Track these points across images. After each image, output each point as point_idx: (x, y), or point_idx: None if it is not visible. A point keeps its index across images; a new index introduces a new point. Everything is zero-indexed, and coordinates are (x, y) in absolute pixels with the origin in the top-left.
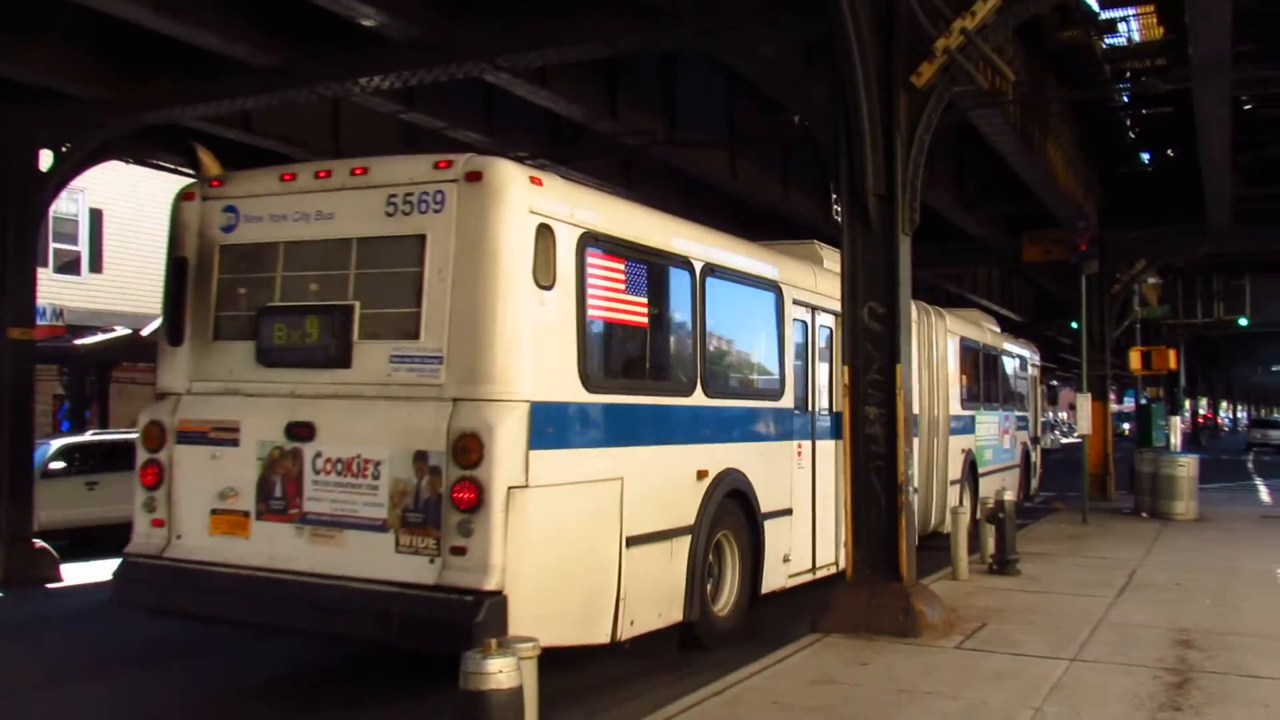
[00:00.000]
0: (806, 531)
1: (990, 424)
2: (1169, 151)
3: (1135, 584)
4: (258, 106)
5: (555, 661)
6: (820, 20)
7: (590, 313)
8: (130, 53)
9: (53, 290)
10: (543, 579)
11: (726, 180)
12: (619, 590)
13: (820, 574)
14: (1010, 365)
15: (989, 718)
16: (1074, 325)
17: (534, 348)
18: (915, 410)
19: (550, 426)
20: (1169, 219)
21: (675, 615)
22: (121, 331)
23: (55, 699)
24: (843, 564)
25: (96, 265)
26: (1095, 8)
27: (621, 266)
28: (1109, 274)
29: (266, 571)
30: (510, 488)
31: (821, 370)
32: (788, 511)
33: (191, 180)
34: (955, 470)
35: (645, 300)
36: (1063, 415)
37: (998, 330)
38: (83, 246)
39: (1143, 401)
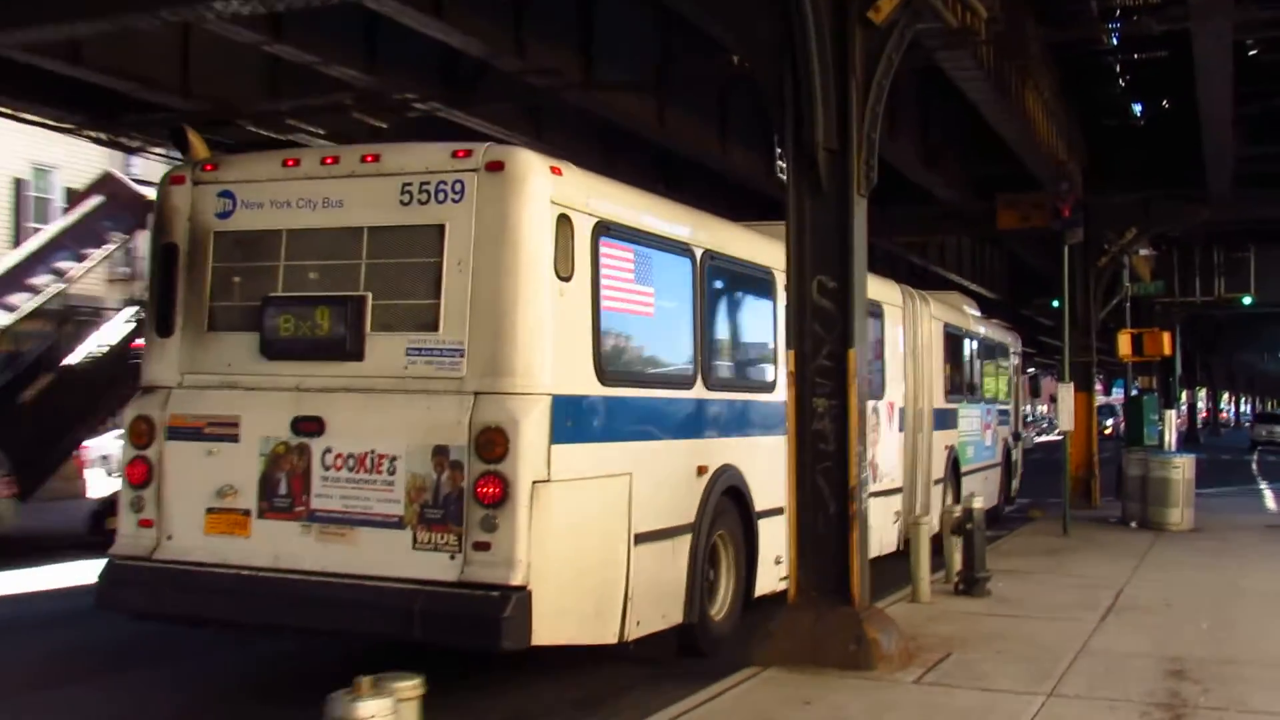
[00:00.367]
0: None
1: (973, 418)
2: (1164, 103)
3: (1122, 605)
4: (90, 34)
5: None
6: None
7: (604, 304)
8: None
9: None
10: (562, 575)
11: (653, 130)
12: (627, 589)
13: None
14: (992, 353)
15: None
16: (1055, 304)
17: (555, 340)
18: (901, 403)
19: (569, 420)
20: (1163, 181)
21: (676, 617)
22: None
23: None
24: None
25: None
26: None
27: (630, 256)
28: (1095, 244)
29: (271, 571)
30: (534, 482)
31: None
32: (780, 510)
33: (179, 162)
34: (939, 468)
35: (651, 290)
36: (1041, 408)
37: (978, 314)
38: None
39: (1133, 393)
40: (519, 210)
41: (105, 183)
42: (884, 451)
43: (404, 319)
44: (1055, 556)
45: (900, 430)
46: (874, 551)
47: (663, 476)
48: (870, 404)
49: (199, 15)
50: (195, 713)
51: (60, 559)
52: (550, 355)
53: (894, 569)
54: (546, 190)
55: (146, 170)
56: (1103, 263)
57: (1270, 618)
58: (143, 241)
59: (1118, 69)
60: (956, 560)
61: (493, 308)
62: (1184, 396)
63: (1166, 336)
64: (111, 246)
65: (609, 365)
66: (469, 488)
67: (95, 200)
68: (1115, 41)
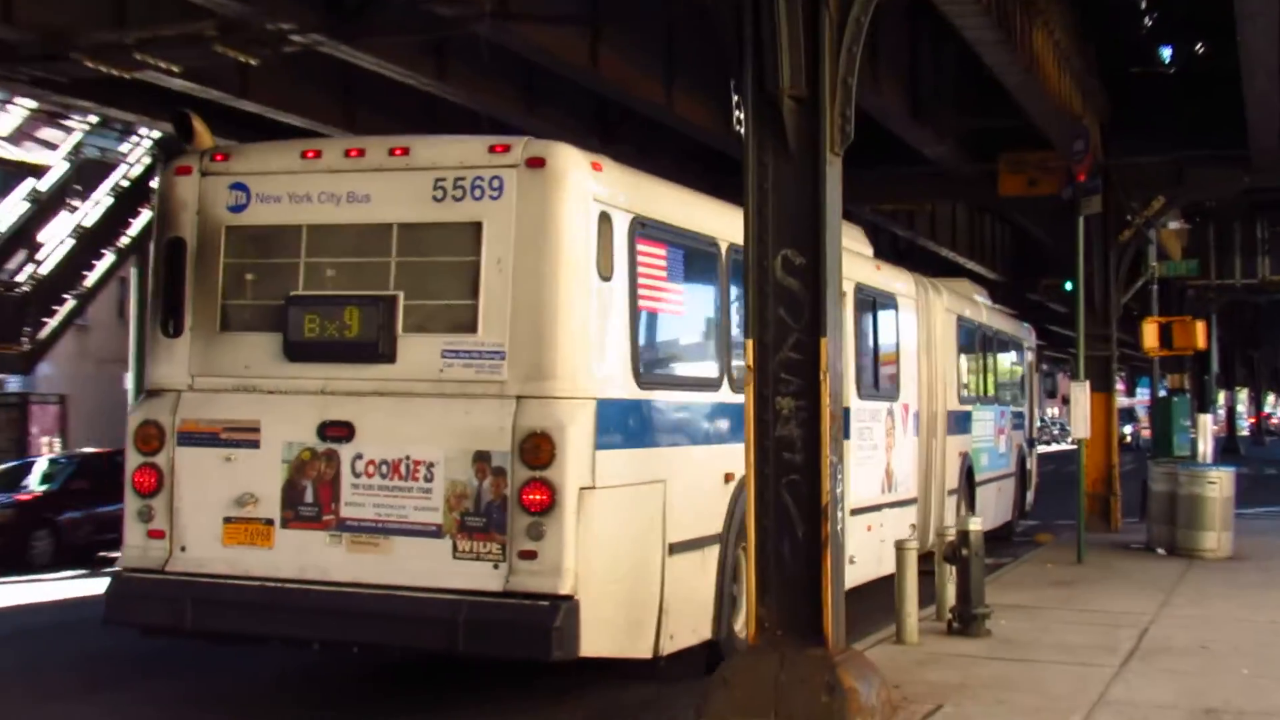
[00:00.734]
0: None
1: (986, 422)
2: (1198, 47)
3: (1148, 648)
4: None
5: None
6: None
7: (640, 304)
8: None
9: None
10: (603, 585)
11: (585, 71)
12: (662, 601)
13: None
14: (1005, 349)
15: None
16: (1068, 287)
17: (598, 343)
18: (915, 405)
19: (611, 425)
20: (1198, 141)
21: (705, 632)
22: None
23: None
24: (848, 581)
25: None
26: None
27: (663, 253)
28: (1116, 216)
29: (297, 583)
30: (581, 489)
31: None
32: None
33: (185, 153)
34: (953, 478)
35: (681, 289)
36: (1051, 411)
37: (990, 304)
38: None
39: (1161, 393)
40: (562, 209)
41: None
42: (899, 458)
43: (439, 320)
44: (1068, 589)
45: (915, 435)
46: (871, 574)
47: (694, 484)
48: (884, 406)
49: None
50: None
51: None
52: (593, 358)
53: (860, 607)
54: (588, 188)
55: None
56: (1125, 237)
57: None
58: None
59: (1143, 6)
60: (950, 593)
61: (536, 309)
62: (1221, 398)
63: (1200, 326)
64: None
65: (645, 368)
66: (513, 495)
67: None
68: None
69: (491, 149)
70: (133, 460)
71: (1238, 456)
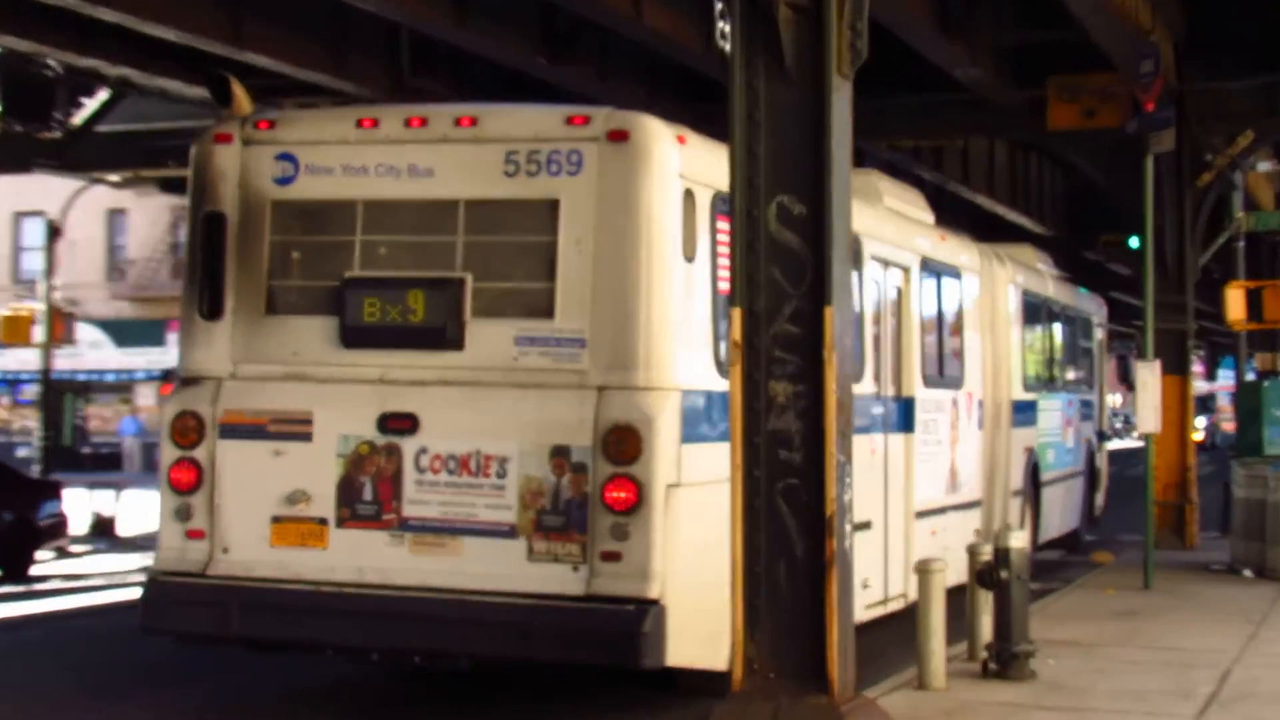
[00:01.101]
0: (880, 552)
1: (1053, 412)
2: None
3: (1231, 694)
4: None
5: None
6: None
7: (720, 287)
8: None
9: None
10: (687, 590)
11: None
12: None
13: (891, 606)
14: (1073, 327)
15: None
16: (1133, 243)
17: (683, 329)
18: (979, 394)
19: (696, 418)
20: None
21: None
22: None
23: None
24: (912, 595)
25: None
26: None
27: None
28: (1193, 155)
29: (356, 587)
30: (668, 485)
31: (887, 342)
32: (866, 525)
33: (225, 120)
34: (1017, 477)
35: None
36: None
37: (1056, 273)
38: None
39: (1248, 377)
40: (647, 186)
41: None
42: (963, 455)
43: (511, 304)
44: (1132, 620)
45: (979, 428)
46: (950, 579)
47: None
48: (949, 396)
49: None
50: None
51: None
52: (679, 346)
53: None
54: (674, 163)
55: None
56: (1204, 182)
57: None
58: None
59: None
60: (985, 626)
61: (620, 293)
62: None
63: None
64: None
65: (724, 355)
66: (595, 492)
67: None
68: None
69: (569, 120)
70: (169, 454)
71: None
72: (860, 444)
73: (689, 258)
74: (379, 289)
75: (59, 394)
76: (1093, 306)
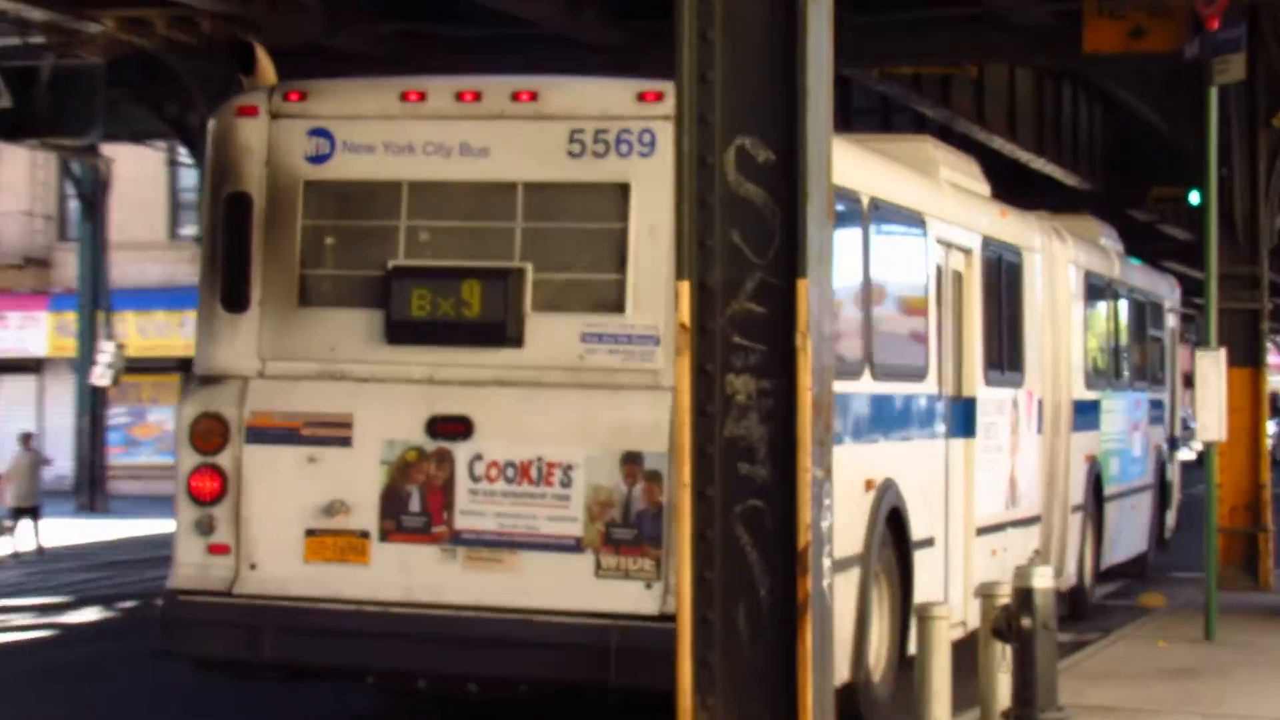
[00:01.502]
0: (940, 573)
1: (1118, 414)
2: None
3: None
4: None
5: None
6: None
7: None
8: None
9: None
10: None
11: None
12: None
13: (952, 634)
14: (1141, 313)
15: None
16: (1193, 199)
17: None
18: (1040, 393)
19: None
20: None
21: (844, 673)
22: None
23: None
24: (972, 622)
25: None
26: None
27: None
28: (1270, 86)
29: (404, 606)
30: None
31: (947, 336)
32: (928, 543)
33: (248, 90)
34: (1078, 490)
35: (836, 259)
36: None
37: (1121, 248)
38: None
39: None
40: None
41: None
42: (1023, 464)
43: (576, 297)
44: (1188, 682)
45: (1038, 433)
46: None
47: (840, 491)
48: (1009, 395)
49: None
50: None
51: None
52: None
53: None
54: None
55: None
56: None
57: None
58: None
59: None
60: (1002, 688)
61: None
62: None
63: None
64: None
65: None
66: (670, 502)
67: None
68: None
69: (641, 96)
70: (188, 460)
71: None
72: (923, 450)
73: None
74: (429, 280)
75: None
76: (1164, 288)
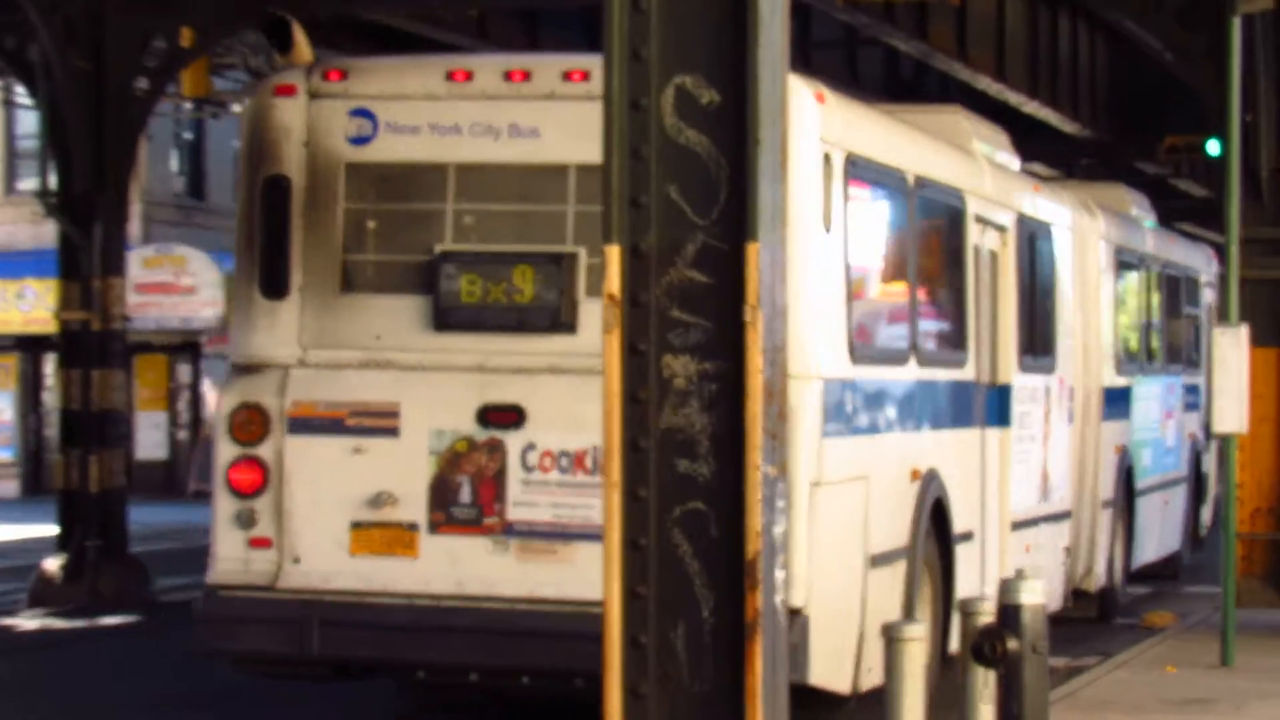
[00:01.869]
0: (978, 569)
1: (1151, 401)
2: None
3: None
4: None
5: None
6: None
7: (852, 262)
8: None
9: None
10: (824, 600)
11: None
12: (862, 624)
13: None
14: (1175, 290)
15: None
16: (1211, 149)
17: (822, 310)
18: (1071, 380)
19: (834, 409)
20: None
21: (881, 676)
22: None
23: None
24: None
25: None
26: None
27: (867, 196)
28: None
29: (456, 599)
30: (811, 484)
31: (984, 320)
32: (968, 537)
33: (286, 70)
34: (1107, 484)
35: (884, 239)
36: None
37: (1153, 219)
38: None
39: None
40: (788, 150)
41: None
42: (1055, 455)
43: None
44: (1201, 714)
45: (1069, 422)
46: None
47: (888, 482)
48: (1042, 382)
49: None
50: None
51: None
52: (819, 328)
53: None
54: (815, 126)
55: None
56: None
57: None
58: None
59: None
60: (982, 715)
61: None
62: None
63: None
64: None
65: (857, 339)
66: None
67: None
68: None
69: None
70: (227, 452)
71: None
72: (962, 440)
73: (827, 229)
74: (478, 265)
75: None
76: (1200, 260)
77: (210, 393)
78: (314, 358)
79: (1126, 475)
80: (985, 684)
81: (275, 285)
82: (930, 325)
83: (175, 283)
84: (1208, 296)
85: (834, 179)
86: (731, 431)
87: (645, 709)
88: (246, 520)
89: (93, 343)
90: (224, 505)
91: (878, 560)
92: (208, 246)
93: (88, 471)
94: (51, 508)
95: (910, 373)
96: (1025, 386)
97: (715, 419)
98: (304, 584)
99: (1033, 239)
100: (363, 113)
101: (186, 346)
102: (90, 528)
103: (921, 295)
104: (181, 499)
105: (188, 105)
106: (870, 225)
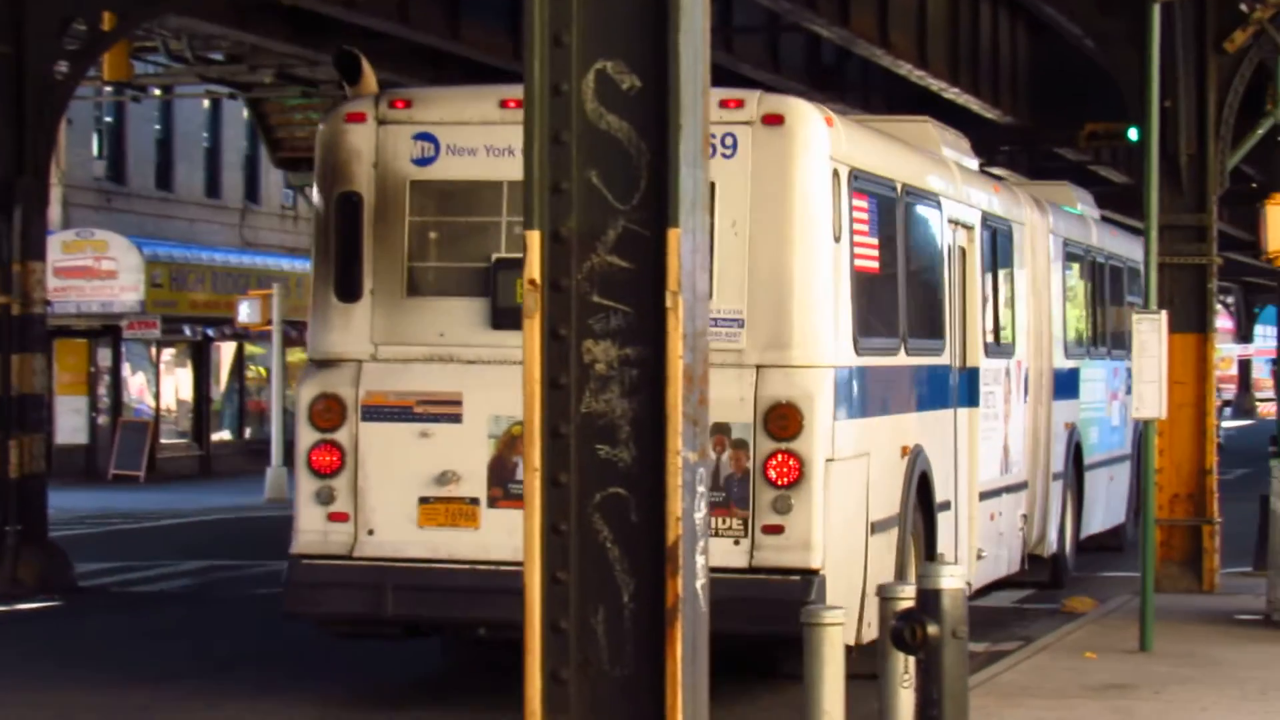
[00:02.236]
0: (952, 535)
1: (1097, 383)
2: None
3: None
4: None
5: None
6: None
7: (856, 265)
8: None
9: None
10: (837, 563)
11: None
12: (865, 584)
13: None
14: (1119, 279)
15: None
16: (1132, 135)
17: (833, 308)
18: (1028, 362)
19: (843, 394)
20: None
21: (875, 632)
22: None
23: None
24: (975, 583)
25: None
26: None
27: (867, 206)
28: (1224, 4)
29: (514, 565)
30: (826, 460)
31: (956, 311)
32: (946, 506)
33: (356, 99)
34: (1059, 458)
35: (878, 243)
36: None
37: (1098, 214)
38: None
39: None
40: (802, 170)
41: None
42: (1014, 431)
43: None
44: (1121, 699)
45: (1025, 401)
46: (991, 575)
47: (884, 458)
48: (1003, 365)
49: None
50: None
51: None
52: (830, 324)
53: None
54: (825, 146)
55: None
56: (1238, 44)
57: None
58: None
59: None
60: (904, 708)
61: (777, 275)
62: None
63: None
64: None
65: (860, 332)
66: (756, 468)
67: None
68: None
69: (722, 103)
70: (307, 437)
71: None
72: (941, 419)
73: (836, 238)
74: None
75: None
76: (1140, 251)
77: (130, 377)
78: (384, 353)
79: (1076, 451)
80: (906, 669)
81: (349, 289)
82: (915, 317)
83: (96, 267)
84: None
85: (841, 192)
86: (652, 417)
87: (566, 694)
88: (326, 497)
89: (12, 327)
90: (305, 484)
91: (877, 527)
92: (128, 230)
93: (7, 456)
94: None
95: (901, 360)
96: (990, 369)
97: (636, 404)
98: (378, 553)
99: (994, 236)
100: (426, 136)
101: (107, 330)
102: (10, 513)
103: (909, 291)
104: (101, 484)
105: (108, 89)
106: (869, 230)
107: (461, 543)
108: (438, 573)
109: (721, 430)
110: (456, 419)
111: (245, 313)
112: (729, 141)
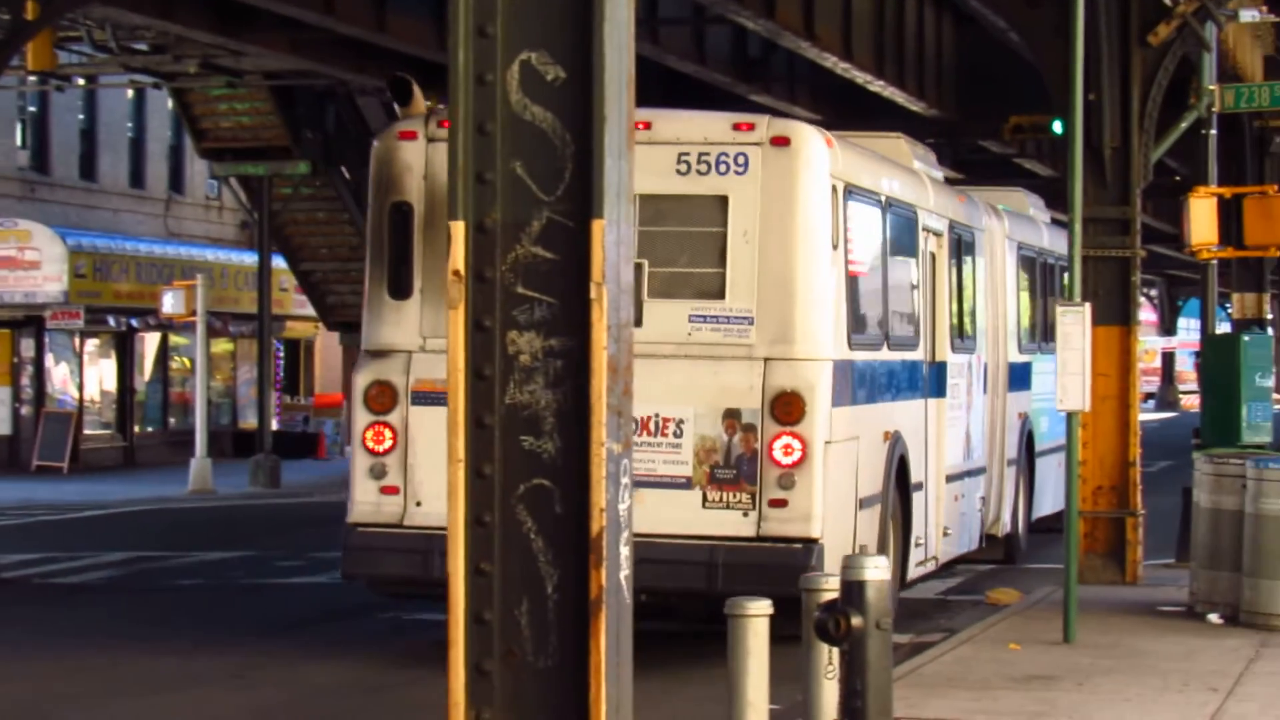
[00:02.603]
0: (923, 513)
1: (1047, 376)
2: None
3: None
4: None
5: None
6: None
7: (849, 268)
8: None
9: None
10: (833, 534)
11: None
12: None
13: (928, 567)
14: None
15: None
16: (1056, 128)
17: (832, 308)
18: (985, 356)
19: (839, 384)
20: None
21: None
22: None
23: None
24: (942, 557)
25: None
26: None
27: (861, 216)
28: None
29: None
30: (826, 442)
31: (928, 310)
32: (919, 487)
33: (407, 119)
34: (1012, 445)
35: (863, 248)
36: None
37: (1048, 218)
38: None
39: (1220, 328)
40: (806, 186)
41: None
42: (975, 420)
43: (685, 286)
44: (1044, 690)
45: (984, 392)
46: (954, 551)
47: (869, 442)
48: (966, 360)
49: None
50: None
51: None
52: (829, 322)
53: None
54: (827, 165)
55: None
56: (1161, 38)
57: None
58: None
59: None
60: (828, 698)
61: (783, 279)
62: None
63: None
64: None
65: (853, 329)
66: (764, 448)
67: None
68: None
69: (736, 126)
70: (363, 419)
71: None
72: (915, 408)
73: (834, 245)
74: None
75: None
76: None
77: (53, 367)
78: (432, 345)
79: (1028, 439)
80: (830, 661)
81: (400, 288)
82: (896, 316)
83: (19, 257)
84: None
85: (839, 205)
86: (576, 408)
87: (490, 685)
88: (379, 472)
89: None
90: (361, 461)
91: (864, 503)
92: (52, 221)
93: None
94: None
95: (884, 355)
96: (955, 363)
97: (560, 395)
98: (425, 522)
99: (959, 241)
100: None
101: (30, 321)
102: None
103: (891, 292)
104: (24, 475)
105: (32, 78)
106: (859, 238)
107: None
108: None
109: (733, 415)
110: None
111: (169, 303)
112: (741, 160)
